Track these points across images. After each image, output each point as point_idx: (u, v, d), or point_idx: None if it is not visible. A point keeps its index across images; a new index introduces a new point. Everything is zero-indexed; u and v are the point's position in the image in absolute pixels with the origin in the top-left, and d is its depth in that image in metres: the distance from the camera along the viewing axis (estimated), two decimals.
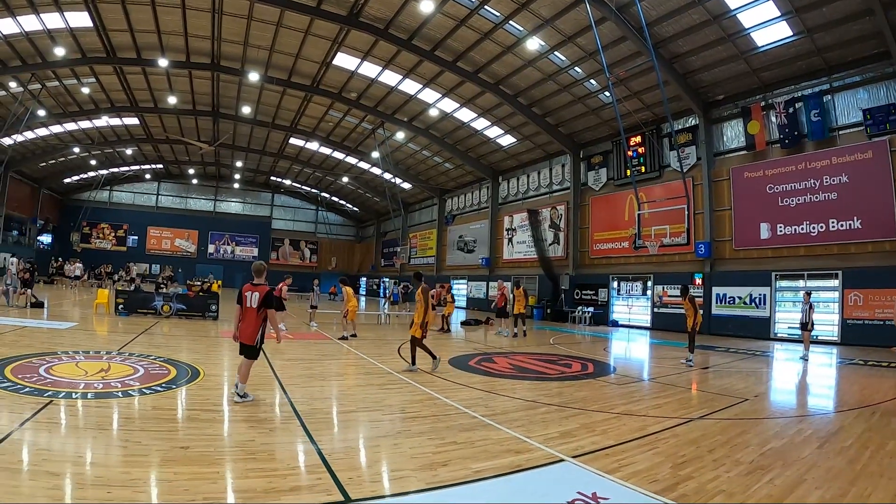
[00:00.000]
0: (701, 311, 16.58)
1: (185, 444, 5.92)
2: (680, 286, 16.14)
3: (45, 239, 57.09)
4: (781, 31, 22.16)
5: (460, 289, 47.08)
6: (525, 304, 22.35)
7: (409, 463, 5.82)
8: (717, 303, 26.28)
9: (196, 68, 34.17)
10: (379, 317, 28.35)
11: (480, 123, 37.29)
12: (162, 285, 26.30)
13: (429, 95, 34.88)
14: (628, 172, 30.56)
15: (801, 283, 23.67)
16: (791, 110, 24.11)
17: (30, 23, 27.51)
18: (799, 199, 23.97)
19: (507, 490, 5.22)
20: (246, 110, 41.66)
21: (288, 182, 64.82)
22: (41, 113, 37.55)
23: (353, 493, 4.86)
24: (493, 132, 38.13)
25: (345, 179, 57.67)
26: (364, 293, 68.51)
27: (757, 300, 24.93)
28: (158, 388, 8.59)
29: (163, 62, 31.61)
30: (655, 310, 29.43)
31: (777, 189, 24.70)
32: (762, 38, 22.83)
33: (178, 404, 7.91)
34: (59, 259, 46.79)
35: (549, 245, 37.43)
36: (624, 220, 32.00)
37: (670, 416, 8.67)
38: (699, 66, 25.47)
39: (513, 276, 40.39)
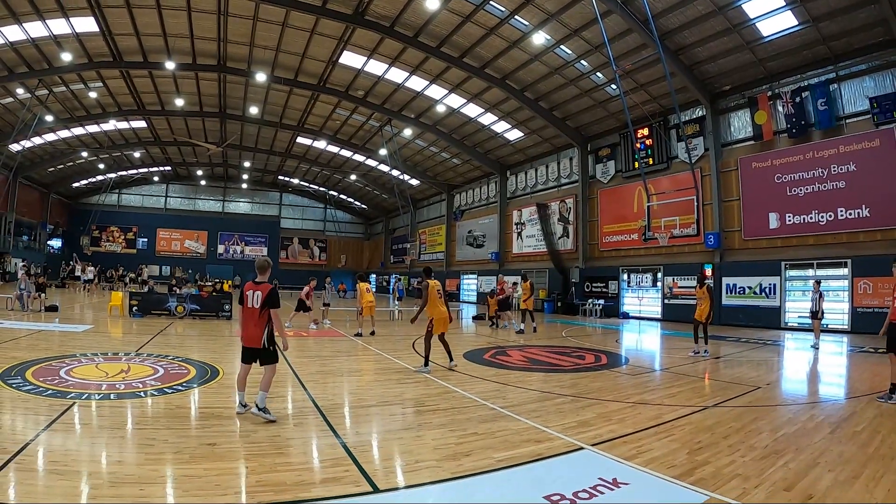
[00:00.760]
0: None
1: (211, 441, 6.03)
2: (697, 275, 16.06)
3: (56, 243, 57.53)
4: (787, 21, 22.15)
5: (469, 283, 47.27)
6: (533, 299, 22.25)
7: (433, 454, 5.94)
8: (727, 293, 26.33)
9: (203, 70, 34.33)
10: (391, 313, 28.51)
11: (488, 118, 37.34)
12: (175, 287, 26.44)
13: (435, 92, 34.95)
14: (636, 164, 30.65)
15: (810, 272, 23.73)
16: (798, 100, 24.11)
17: (36, 29, 27.71)
18: (807, 189, 24.01)
19: (530, 477, 5.34)
20: (253, 110, 41.79)
21: (296, 181, 65.07)
22: (49, 118, 37.84)
23: (380, 483, 4.98)
24: (501, 127, 38.18)
25: (353, 177, 57.77)
26: (374, 290, 68.41)
27: (767, 290, 24.98)
28: (180, 388, 8.74)
29: (169, 65, 31.81)
30: (666, 301, 29.49)
31: (785, 178, 24.74)
32: (767, 28, 22.82)
33: (200, 402, 8.05)
34: (72, 262, 47.08)
35: (559, 238, 37.57)
36: (633, 212, 32.10)
37: (684, 404, 8.80)
38: (705, 57, 25.48)
39: (523, 269, 40.43)
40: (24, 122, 35.35)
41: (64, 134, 43.33)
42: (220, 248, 67.06)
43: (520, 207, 42.60)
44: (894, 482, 5.18)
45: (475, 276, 47.68)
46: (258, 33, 29.89)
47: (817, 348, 16.90)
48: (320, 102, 39.55)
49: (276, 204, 70.64)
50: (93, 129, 43.44)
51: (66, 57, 30.22)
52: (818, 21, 21.49)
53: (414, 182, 54.22)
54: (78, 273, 40.59)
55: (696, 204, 26.78)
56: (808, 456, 6.03)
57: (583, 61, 28.17)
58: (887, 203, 21.41)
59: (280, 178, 65.08)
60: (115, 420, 6.76)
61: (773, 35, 23.04)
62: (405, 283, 57.98)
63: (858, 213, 22.36)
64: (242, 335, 7.44)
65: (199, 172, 63.07)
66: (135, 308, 21.54)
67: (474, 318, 27.86)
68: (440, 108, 36.86)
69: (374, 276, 69.92)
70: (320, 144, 49.30)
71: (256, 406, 7.13)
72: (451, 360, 11.91)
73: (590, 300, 32.83)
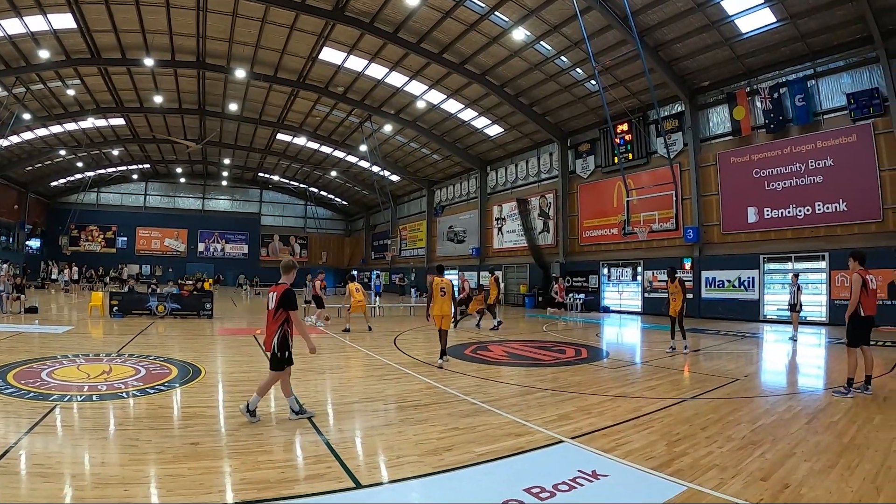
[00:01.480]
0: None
1: (194, 441, 6.04)
2: (668, 269, 16.14)
3: (34, 244, 56.74)
4: (765, 18, 22.34)
5: (452, 279, 47.26)
6: (497, 294, 22.21)
7: (415, 449, 6.00)
8: (706, 286, 26.57)
9: (182, 67, 34.02)
10: (372, 310, 28.49)
11: (468, 114, 37.35)
12: (153, 286, 26.26)
13: (415, 87, 34.90)
14: (616, 160, 30.78)
15: (788, 265, 23.96)
16: (776, 95, 24.34)
17: (12, 26, 27.23)
18: (785, 183, 24.26)
19: (511, 471, 5.39)
20: (233, 107, 41.50)
21: (276, 178, 64.87)
22: (26, 116, 37.28)
23: (363, 479, 5.04)
24: (481, 122, 38.20)
25: (333, 174, 57.58)
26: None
27: (746, 283, 25.23)
28: (162, 388, 8.72)
29: (148, 62, 31.51)
30: (646, 295, 29.69)
31: (763, 173, 24.98)
32: (746, 25, 23.02)
33: (182, 402, 8.02)
34: (49, 263, 46.53)
35: (539, 233, 37.70)
36: (612, 206, 32.26)
37: (663, 396, 8.91)
38: (684, 53, 25.65)
39: (503, 264, 40.84)
40: (2, 120, 34.84)
41: (41, 132, 42.76)
42: (201, 247, 66.51)
43: (500, 203, 42.67)
44: (869, 471, 5.27)
45: (456, 271, 47.62)
46: (238, 29, 29.67)
47: (796, 340, 17.13)
48: (300, 99, 39.39)
49: (256, 201, 70.25)
50: (71, 127, 42.87)
51: (44, 54, 29.79)
52: (796, 18, 21.69)
53: (394, 178, 54.23)
54: (55, 276, 40.30)
55: (674, 199, 26.98)
56: (784, 446, 6.14)
57: (563, 57, 28.22)
58: (864, 197, 21.71)
59: (260, 175, 64.75)
60: (97, 421, 6.75)
61: (751, 32, 23.24)
62: (385, 279, 58.02)
63: (836, 207, 22.62)
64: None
65: (179, 170, 62.47)
66: (115, 308, 21.38)
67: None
68: (420, 104, 36.81)
69: (354, 272, 69.71)
70: (300, 141, 49.16)
71: (292, 411, 7.15)
72: (443, 356, 11.95)
73: (570, 294, 32.95)
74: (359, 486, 4.88)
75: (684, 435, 6.63)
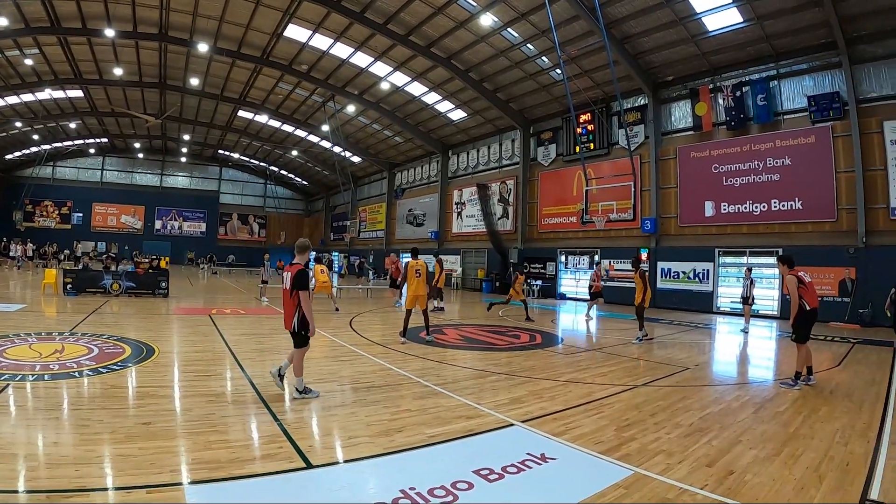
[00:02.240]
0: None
1: (146, 421, 5.96)
2: (632, 259, 16.28)
3: None
4: (732, 17, 22.60)
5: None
6: (439, 276, 21.92)
7: (366, 430, 6.01)
8: (662, 277, 26.93)
9: (143, 39, 33.10)
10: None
11: (431, 98, 37.19)
12: (107, 264, 25.72)
13: (380, 69, 34.60)
14: (577, 149, 30.91)
15: (743, 259, 24.39)
16: (738, 94, 24.68)
17: None
18: (743, 180, 24.64)
19: (460, 453, 5.42)
20: (194, 82, 40.68)
21: (236, 156, 63.96)
22: None
23: (314, 459, 5.05)
24: (444, 106, 38.08)
25: (294, 153, 57.03)
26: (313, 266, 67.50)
27: (700, 275, 25.62)
28: (114, 367, 8.56)
29: (109, 32, 30.70)
30: (603, 283, 29.89)
31: (722, 169, 25.34)
32: (713, 23, 23.26)
33: (135, 382, 7.87)
34: (3, 239, 45.13)
35: (498, 219, 37.78)
36: (572, 195, 32.42)
37: (615, 383, 8.99)
38: (650, 47, 25.82)
39: (462, 249, 40.90)
40: None
41: None
42: (158, 224, 65.33)
43: (461, 187, 42.70)
44: (812, 460, 5.39)
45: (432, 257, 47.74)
46: (202, 2, 28.99)
47: (747, 332, 17.49)
48: (263, 76, 38.82)
49: (215, 179, 69.24)
50: (28, 98, 41.71)
51: (2, 22, 28.73)
52: (763, 19, 21.99)
53: (356, 159, 53.89)
54: (13, 253, 39.32)
55: (633, 190, 27.22)
56: (731, 434, 6.25)
57: (529, 45, 28.18)
58: (819, 197, 22.19)
59: (220, 152, 63.68)
60: (49, 401, 6.62)
61: (717, 30, 23.50)
62: (344, 261, 57.81)
63: (791, 205, 23.06)
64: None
65: (137, 145, 60.99)
66: (69, 286, 20.89)
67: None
68: (384, 86, 36.50)
69: (313, 253, 69.31)
70: (262, 118, 48.57)
71: (296, 389, 7.32)
72: (404, 335, 12.77)
73: (528, 280, 33.06)
74: (310, 466, 4.89)
75: (633, 421, 6.71)
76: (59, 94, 41.96)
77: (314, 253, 40.30)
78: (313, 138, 50.94)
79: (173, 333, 12.84)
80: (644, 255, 27.04)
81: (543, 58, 29.03)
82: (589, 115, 31.18)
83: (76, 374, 7.99)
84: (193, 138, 58.43)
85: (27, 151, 55.80)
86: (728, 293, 24.79)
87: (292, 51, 34.11)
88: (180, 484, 4.42)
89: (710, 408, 7.49)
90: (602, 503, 4.34)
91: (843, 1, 19.75)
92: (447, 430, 6.11)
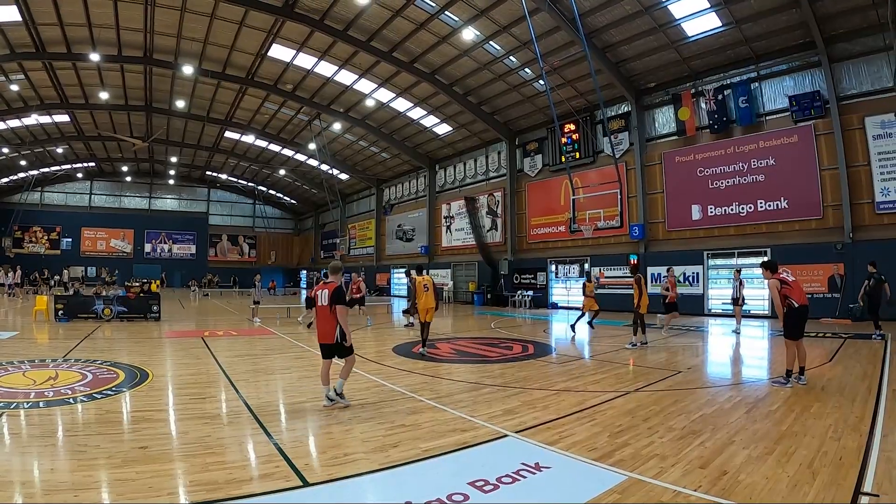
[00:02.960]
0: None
1: (143, 445, 5.94)
2: (630, 266, 16.33)
3: None
4: (711, 22, 22.89)
5: (400, 277, 47.23)
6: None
7: (362, 446, 6.02)
8: (652, 282, 26.96)
9: (128, 62, 33.21)
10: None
11: (417, 113, 37.33)
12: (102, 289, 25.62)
13: (365, 86, 34.74)
14: (563, 158, 31.15)
15: (732, 260, 24.54)
16: (720, 97, 24.93)
17: None
18: (728, 182, 24.83)
19: (455, 466, 5.42)
20: (180, 104, 40.70)
21: (224, 176, 64.01)
22: None
23: (310, 477, 5.04)
24: (430, 121, 38.24)
25: (282, 172, 57.11)
26: (304, 286, 67.57)
27: (690, 278, 25.78)
28: (109, 392, 8.53)
29: (94, 56, 30.79)
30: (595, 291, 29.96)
31: (707, 172, 25.53)
32: (692, 29, 23.54)
33: (130, 406, 7.85)
34: None
35: (487, 231, 37.93)
36: (560, 204, 32.59)
37: (607, 390, 9.03)
38: (631, 55, 26.07)
39: (453, 262, 40.95)
40: None
41: None
42: (147, 247, 65.14)
43: (449, 201, 42.84)
44: (805, 457, 5.41)
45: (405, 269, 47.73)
46: (186, 24, 29.08)
47: (739, 333, 17.59)
48: (249, 96, 38.89)
49: (204, 200, 69.11)
50: (14, 123, 41.63)
51: None
52: (741, 23, 22.28)
53: (343, 176, 54.04)
54: (4, 281, 39.10)
55: (620, 197, 27.32)
56: (724, 435, 6.28)
57: (511, 57, 28.42)
58: (804, 195, 22.45)
59: (208, 173, 63.64)
60: (45, 428, 6.61)
61: (697, 35, 23.79)
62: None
63: (777, 204, 23.27)
64: (318, 332, 8.05)
65: (125, 168, 60.84)
66: (60, 312, 20.79)
67: (405, 312, 27.87)
68: (369, 103, 36.69)
69: (304, 272, 69.19)
70: (249, 139, 48.63)
71: (334, 390, 7.83)
72: (424, 345, 13.51)
73: (519, 291, 33.14)
74: (306, 484, 4.89)
75: (626, 426, 6.73)
76: (45, 119, 41.96)
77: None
78: (300, 157, 51.04)
79: (166, 357, 12.79)
80: (634, 261, 27.10)
81: (526, 69, 29.25)
82: (573, 124, 31.40)
83: (71, 400, 7.96)
84: (181, 160, 58.36)
85: (14, 177, 55.69)
86: (718, 295, 24.96)
87: (277, 70, 34.22)
88: None
89: (703, 410, 7.53)
90: None
91: (819, 1, 20.00)
92: (442, 443, 6.12)
